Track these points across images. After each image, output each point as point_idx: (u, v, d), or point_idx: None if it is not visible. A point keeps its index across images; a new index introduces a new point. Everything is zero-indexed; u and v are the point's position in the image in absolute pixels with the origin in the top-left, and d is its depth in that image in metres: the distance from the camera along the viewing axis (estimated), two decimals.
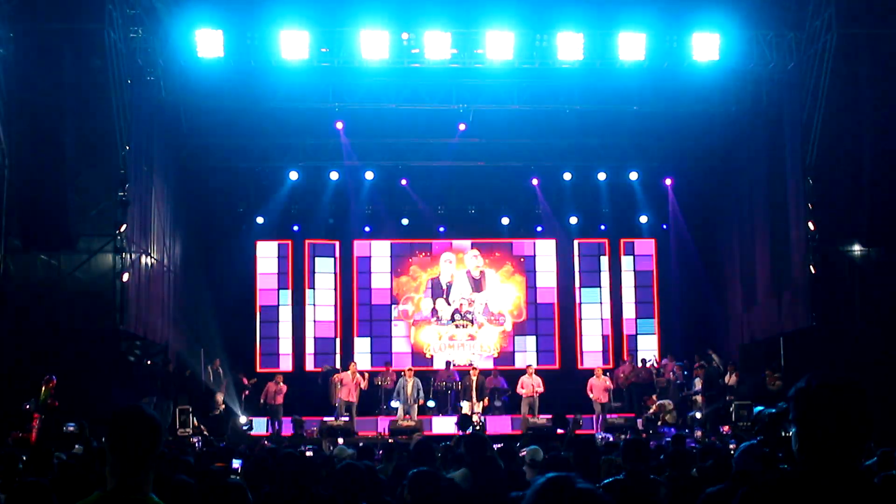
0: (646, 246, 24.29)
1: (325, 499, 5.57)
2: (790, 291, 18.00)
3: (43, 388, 14.23)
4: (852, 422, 2.58)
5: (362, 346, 23.65)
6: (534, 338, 24.00)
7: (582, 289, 24.19)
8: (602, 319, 24.02)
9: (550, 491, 2.23)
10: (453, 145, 21.89)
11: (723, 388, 19.64)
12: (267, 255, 23.83)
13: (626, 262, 24.26)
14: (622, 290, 24.13)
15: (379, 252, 24.13)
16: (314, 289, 23.78)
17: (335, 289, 23.89)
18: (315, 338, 23.63)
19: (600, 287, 24.15)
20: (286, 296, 23.71)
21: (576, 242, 24.21)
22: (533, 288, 24.20)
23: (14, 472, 6.45)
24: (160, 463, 8.23)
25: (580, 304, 24.11)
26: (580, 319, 24.03)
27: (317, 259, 23.88)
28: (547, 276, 24.24)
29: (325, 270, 23.92)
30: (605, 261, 24.18)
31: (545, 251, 24.34)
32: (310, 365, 23.17)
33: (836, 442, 2.57)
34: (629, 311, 24.11)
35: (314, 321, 23.65)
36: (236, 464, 7.97)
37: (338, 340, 23.65)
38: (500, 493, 6.51)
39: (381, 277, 24.06)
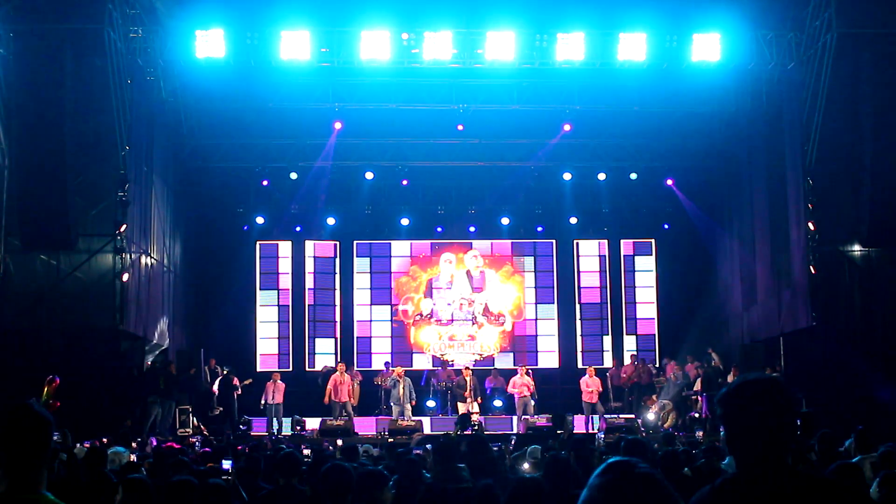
0: (646, 246, 24.30)
1: (308, 496, 5.59)
2: (790, 291, 18.00)
3: (45, 389, 14.20)
4: (770, 413, 2.62)
5: (362, 346, 23.67)
6: (534, 338, 24.01)
7: (582, 289, 24.20)
8: (602, 319, 24.02)
9: (613, 474, 2.24)
10: (453, 145, 21.90)
11: (722, 388, 19.63)
12: (267, 255, 23.84)
13: (626, 262, 24.27)
14: (622, 290, 24.13)
15: (379, 252, 24.14)
16: (314, 289, 23.79)
17: (335, 289, 23.89)
18: (315, 338, 23.64)
19: (600, 287, 24.15)
20: (286, 296, 23.71)
21: (575, 242, 24.22)
22: (533, 288, 24.21)
23: None
24: (159, 463, 8.22)
25: (580, 303, 24.11)
26: (580, 319, 24.03)
27: (316, 259, 23.89)
28: (547, 276, 24.24)
29: (324, 270, 23.92)
30: (604, 261, 24.19)
31: (545, 251, 24.34)
32: (310, 365, 23.18)
33: (759, 436, 2.61)
34: (629, 311, 24.12)
35: (314, 321, 23.66)
36: (227, 464, 7.87)
37: (337, 341, 23.66)
38: (501, 493, 6.51)
39: (381, 277, 24.06)
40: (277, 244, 23.81)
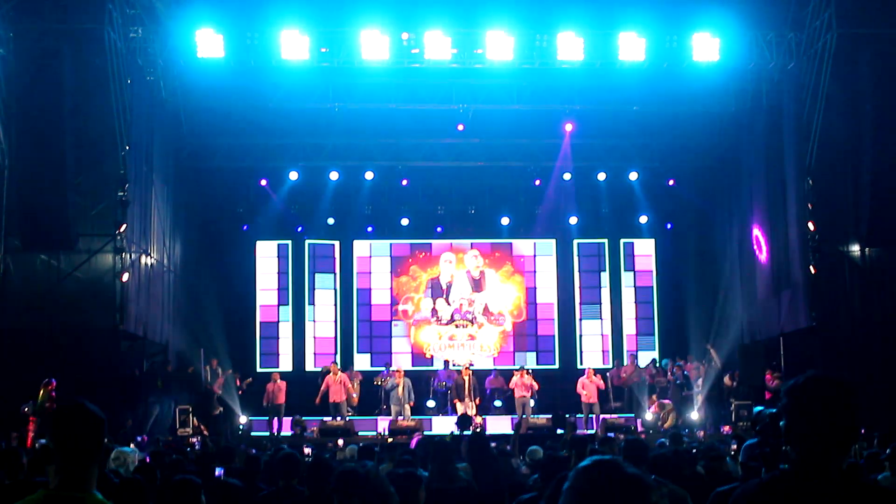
0: (646, 246, 24.30)
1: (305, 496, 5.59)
2: (790, 291, 18.00)
3: (41, 391, 14.18)
4: (837, 414, 2.61)
5: (362, 346, 23.68)
6: (533, 338, 24.01)
7: (582, 289, 24.20)
8: (602, 319, 24.03)
9: (598, 474, 2.15)
10: (453, 145, 21.90)
11: (723, 388, 19.65)
12: (267, 255, 23.84)
13: (626, 263, 24.28)
14: (622, 290, 24.14)
15: (379, 252, 24.15)
16: (314, 289, 23.79)
17: (335, 289, 23.90)
18: (315, 338, 23.65)
19: (600, 287, 24.16)
20: (286, 296, 23.72)
21: (575, 242, 24.22)
22: (533, 288, 24.21)
23: (17, 470, 6.42)
24: (158, 462, 8.21)
25: (580, 303, 24.12)
26: (580, 319, 24.04)
27: (316, 259, 23.89)
28: (547, 276, 24.24)
29: (324, 270, 23.93)
30: (604, 261, 24.20)
31: (545, 251, 24.35)
32: (310, 365, 23.18)
33: (821, 433, 2.59)
34: (629, 311, 24.13)
35: (314, 321, 23.67)
36: (218, 472, 7.66)
37: (338, 340, 23.67)
38: (501, 492, 6.51)
39: (381, 277, 24.07)
40: (277, 244, 23.80)
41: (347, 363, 21.98)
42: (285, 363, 23.08)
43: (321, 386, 19.75)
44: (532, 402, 19.79)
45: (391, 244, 24.12)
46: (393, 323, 23.85)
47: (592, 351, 23.77)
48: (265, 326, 23.59)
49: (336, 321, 23.75)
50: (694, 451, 9.79)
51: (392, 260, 24.14)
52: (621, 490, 2.12)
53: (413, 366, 22.63)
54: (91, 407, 2.97)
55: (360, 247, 24.04)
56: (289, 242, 23.73)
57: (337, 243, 23.95)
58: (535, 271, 24.30)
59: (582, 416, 19.57)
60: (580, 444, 7.15)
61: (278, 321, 23.62)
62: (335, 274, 23.94)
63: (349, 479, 4.20)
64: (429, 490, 5.86)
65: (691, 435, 17.20)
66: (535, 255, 24.39)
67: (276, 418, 19.58)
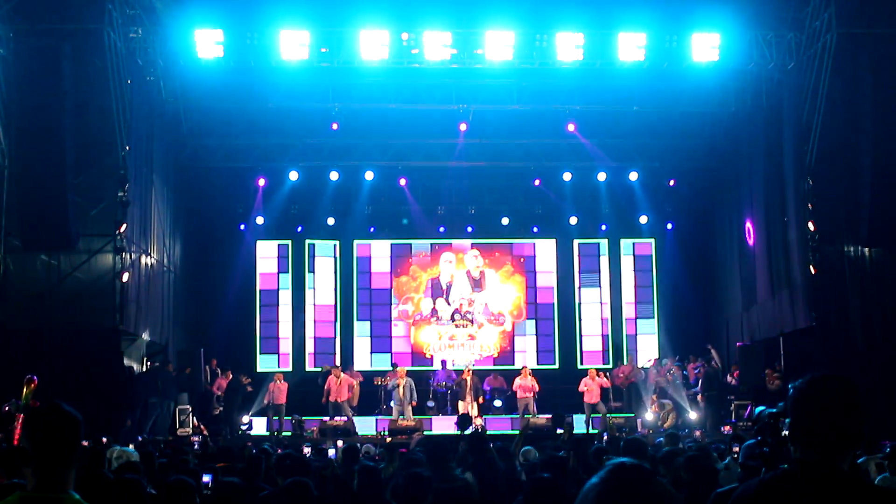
0: (646, 246, 24.30)
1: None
2: (790, 291, 18.00)
3: (25, 389, 14.14)
4: (843, 414, 2.61)
5: (362, 346, 23.68)
6: (534, 338, 24.01)
7: (582, 289, 24.20)
8: (602, 319, 24.03)
9: (626, 480, 2.08)
10: (453, 145, 21.89)
11: (723, 388, 19.66)
12: (267, 255, 23.84)
13: (626, 263, 24.28)
14: (622, 291, 24.14)
15: (379, 252, 24.15)
16: (314, 289, 23.80)
17: (335, 289, 23.90)
18: (315, 338, 23.65)
19: (600, 287, 24.16)
20: (286, 296, 23.72)
21: (576, 242, 24.22)
22: (533, 288, 24.21)
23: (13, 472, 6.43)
24: (148, 463, 8.19)
25: (580, 304, 24.12)
26: (580, 319, 24.04)
27: (317, 259, 23.89)
28: (547, 276, 24.24)
29: (324, 271, 23.93)
30: (604, 261, 24.19)
31: (545, 251, 24.35)
32: (310, 365, 23.18)
33: (826, 433, 2.60)
34: (629, 311, 24.13)
35: (314, 321, 23.67)
36: (206, 478, 7.46)
37: (338, 340, 23.67)
38: (501, 492, 6.51)
39: (381, 277, 24.07)
40: (277, 244, 23.81)
41: (347, 363, 21.97)
42: (285, 363, 23.09)
43: (324, 386, 19.77)
44: (534, 403, 19.78)
45: (391, 244, 24.12)
46: (393, 323, 23.85)
47: (592, 351, 23.77)
48: (265, 326, 23.59)
49: (336, 321, 23.75)
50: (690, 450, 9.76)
51: (392, 260, 24.13)
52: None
53: (413, 366, 22.61)
54: (67, 408, 2.96)
55: (361, 247, 24.04)
56: (289, 242, 23.73)
57: (337, 243, 23.95)
58: (535, 271, 24.30)
59: (584, 415, 19.60)
60: (580, 444, 7.15)
61: (278, 321, 23.62)
62: (335, 274, 23.94)
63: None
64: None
65: (691, 435, 17.19)
66: (535, 256, 24.39)
67: (276, 418, 19.58)
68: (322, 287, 23.86)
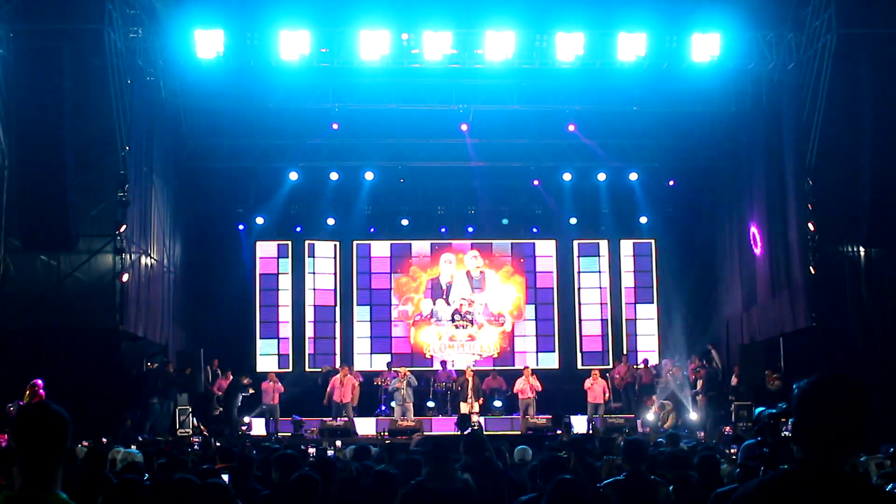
0: (646, 246, 24.29)
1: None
2: (790, 291, 18.00)
3: (27, 392, 14.15)
4: (847, 414, 2.61)
5: (362, 346, 23.66)
6: (534, 338, 24.00)
7: (581, 289, 24.18)
8: (602, 320, 24.00)
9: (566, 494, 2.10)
10: (453, 145, 21.89)
11: (723, 389, 19.66)
12: (267, 255, 23.83)
13: (626, 263, 24.25)
14: (622, 291, 24.12)
15: (379, 252, 24.14)
16: (314, 289, 23.79)
17: (335, 289, 23.89)
18: (315, 338, 23.64)
19: (600, 287, 24.14)
20: (286, 296, 23.71)
21: (576, 243, 24.20)
22: (533, 288, 24.20)
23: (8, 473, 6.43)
24: (153, 463, 8.19)
25: (580, 304, 24.10)
26: (580, 320, 24.02)
27: (317, 259, 23.88)
28: (547, 277, 24.23)
29: (324, 271, 23.92)
30: (604, 261, 24.17)
31: (545, 251, 24.33)
32: (310, 365, 23.18)
33: (830, 433, 2.59)
34: (629, 311, 24.11)
35: (314, 321, 23.66)
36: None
37: (337, 341, 23.66)
38: (498, 492, 6.51)
39: (381, 277, 24.06)
40: (277, 244, 23.80)
41: (347, 364, 21.95)
42: (285, 363, 23.08)
43: (327, 387, 19.77)
44: (535, 404, 19.80)
45: (391, 244, 24.11)
46: (393, 323, 23.84)
47: (592, 351, 23.75)
48: (265, 326, 23.58)
49: (336, 321, 23.73)
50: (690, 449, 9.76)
51: (392, 260, 24.13)
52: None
53: (413, 366, 22.59)
54: (55, 407, 2.94)
55: (361, 247, 24.03)
56: (289, 242, 23.72)
57: (337, 243, 23.94)
58: (535, 272, 24.29)
59: (584, 416, 19.61)
60: (579, 444, 7.15)
61: (278, 321, 23.61)
62: (335, 274, 23.93)
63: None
64: (427, 490, 5.87)
65: (691, 435, 17.19)
66: (534, 256, 24.38)
67: (271, 418, 19.58)
68: (322, 287, 23.85)
